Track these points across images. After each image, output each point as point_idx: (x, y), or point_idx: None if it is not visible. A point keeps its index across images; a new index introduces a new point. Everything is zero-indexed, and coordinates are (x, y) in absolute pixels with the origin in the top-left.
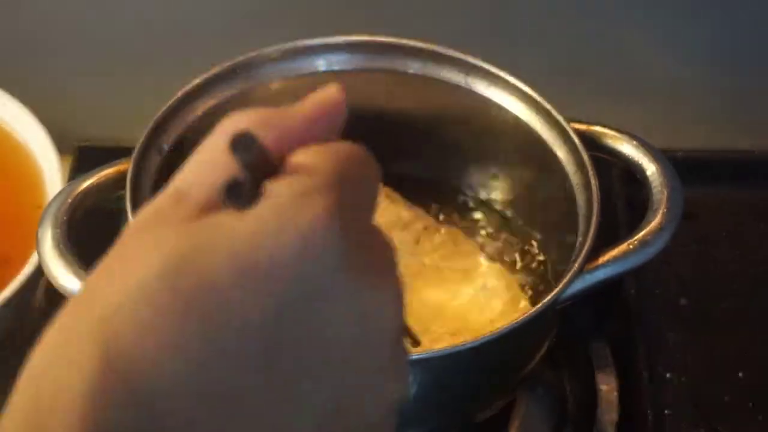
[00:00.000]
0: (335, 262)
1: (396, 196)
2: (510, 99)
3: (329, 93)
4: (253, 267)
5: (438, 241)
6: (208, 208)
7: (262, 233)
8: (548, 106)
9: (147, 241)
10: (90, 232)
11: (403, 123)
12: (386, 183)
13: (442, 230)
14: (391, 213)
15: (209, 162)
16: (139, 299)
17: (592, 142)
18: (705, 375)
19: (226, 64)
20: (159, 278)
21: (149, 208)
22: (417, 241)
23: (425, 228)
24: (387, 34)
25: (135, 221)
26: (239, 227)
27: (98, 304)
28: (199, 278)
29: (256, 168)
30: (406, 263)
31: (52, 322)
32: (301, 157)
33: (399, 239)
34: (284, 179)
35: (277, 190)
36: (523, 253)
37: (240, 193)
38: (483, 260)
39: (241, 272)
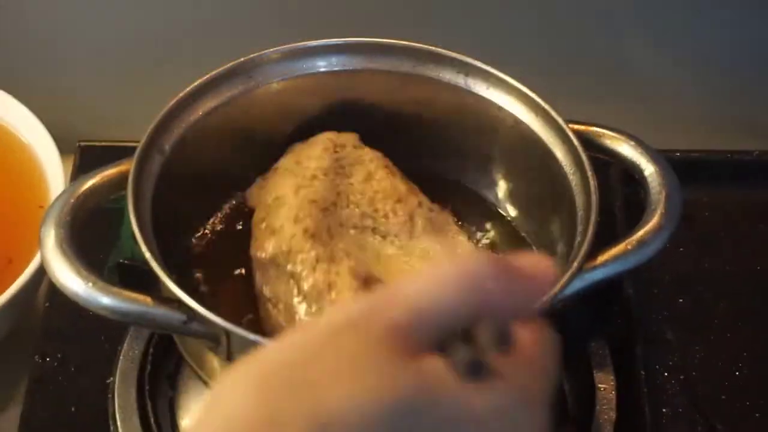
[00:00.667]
0: None
1: (395, 169)
2: (509, 99)
3: (548, 266)
4: None
5: (429, 218)
6: (429, 349)
7: (485, 425)
8: (547, 107)
9: (373, 366)
10: (92, 232)
11: (403, 123)
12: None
13: (434, 210)
14: (388, 184)
15: (451, 309)
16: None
17: (590, 143)
18: (703, 374)
19: (227, 64)
20: (383, 419)
21: (380, 319)
22: (411, 218)
23: (419, 204)
24: (387, 35)
25: (359, 314)
26: (467, 404)
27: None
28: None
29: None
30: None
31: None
32: (530, 342)
33: (395, 210)
34: (515, 378)
35: (508, 387)
36: (522, 252)
37: (476, 370)
38: (465, 242)
39: None
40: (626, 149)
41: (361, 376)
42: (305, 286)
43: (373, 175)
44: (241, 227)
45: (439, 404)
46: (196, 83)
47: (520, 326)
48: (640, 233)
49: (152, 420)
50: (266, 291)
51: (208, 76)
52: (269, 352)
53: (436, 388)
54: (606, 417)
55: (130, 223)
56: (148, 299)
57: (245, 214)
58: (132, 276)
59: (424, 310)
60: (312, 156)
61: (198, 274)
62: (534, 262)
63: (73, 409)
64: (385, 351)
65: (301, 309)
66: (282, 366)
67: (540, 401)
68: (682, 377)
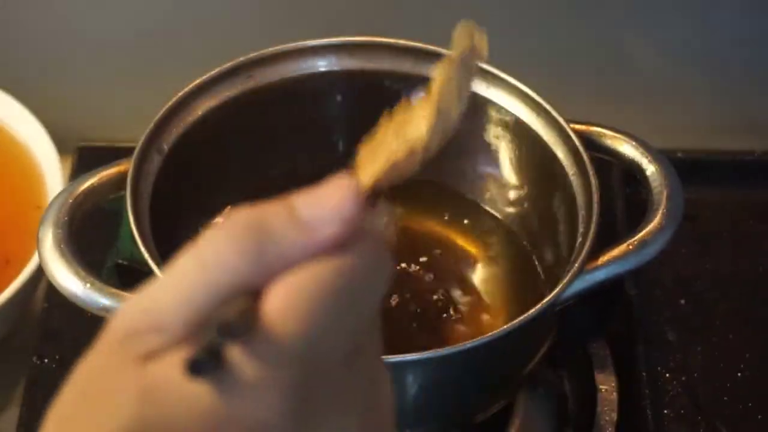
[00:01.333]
0: None
1: None
2: (510, 99)
3: (340, 194)
4: None
5: None
6: (179, 341)
7: (213, 421)
8: (548, 107)
9: (107, 383)
10: (90, 232)
11: None
12: None
13: None
14: None
15: (189, 298)
16: None
17: (591, 143)
18: (704, 375)
19: (227, 64)
20: None
21: (117, 328)
22: None
23: None
24: (387, 35)
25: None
26: (194, 408)
27: None
28: None
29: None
30: None
31: None
32: (270, 308)
33: None
34: (246, 355)
35: (237, 369)
36: (522, 253)
37: (203, 367)
38: None
39: None
40: (627, 149)
41: (97, 398)
42: None
43: None
44: None
45: (163, 414)
46: (195, 83)
47: (273, 296)
48: (642, 233)
49: None
50: None
51: (207, 75)
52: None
53: (155, 393)
54: (607, 418)
55: (128, 223)
56: None
57: None
58: (131, 277)
59: (161, 308)
60: None
61: None
62: (316, 198)
63: None
64: (120, 362)
65: None
66: (61, 406)
67: (280, 393)
68: (683, 378)
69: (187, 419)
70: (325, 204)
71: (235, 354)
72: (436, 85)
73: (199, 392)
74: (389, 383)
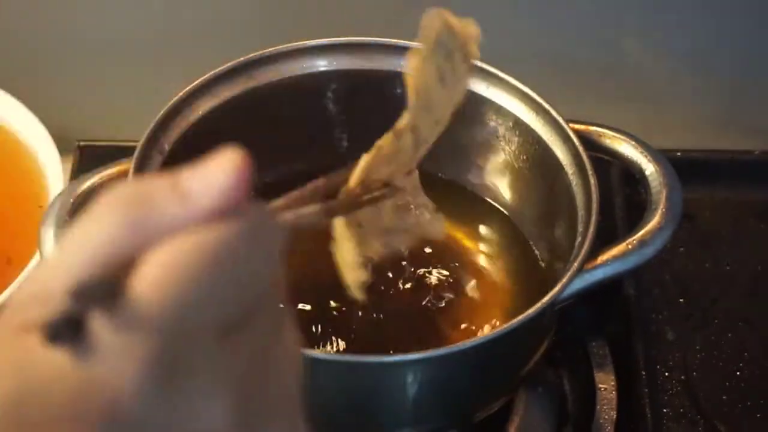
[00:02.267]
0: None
1: None
2: (510, 99)
3: (229, 164)
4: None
5: None
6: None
7: (75, 391)
8: (547, 107)
9: None
10: None
11: None
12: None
13: None
14: None
15: (69, 268)
16: None
17: (591, 142)
18: (703, 374)
19: (228, 64)
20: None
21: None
22: None
23: None
24: (387, 35)
25: None
26: (58, 377)
27: None
28: (37, 417)
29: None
30: None
31: None
32: (137, 276)
33: None
34: (104, 322)
35: (94, 336)
36: (522, 253)
37: (60, 334)
38: None
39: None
40: (627, 149)
41: None
42: None
43: None
44: None
45: (33, 385)
46: (196, 83)
47: (141, 264)
48: (641, 233)
49: None
50: None
51: (208, 75)
52: None
53: (25, 364)
54: (606, 417)
55: None
56: None
57: None
58: None
59: (46, 281)
60: None
61: None
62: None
63: None
64: (2, 337)
65: None
66: None
67: (136, 363)
68: (682, 377)
69: (53, 389)
70: (205, 176)
71: (95, 321)
72: (409, 72)
73: (61, 362)
74: (293, 371)
